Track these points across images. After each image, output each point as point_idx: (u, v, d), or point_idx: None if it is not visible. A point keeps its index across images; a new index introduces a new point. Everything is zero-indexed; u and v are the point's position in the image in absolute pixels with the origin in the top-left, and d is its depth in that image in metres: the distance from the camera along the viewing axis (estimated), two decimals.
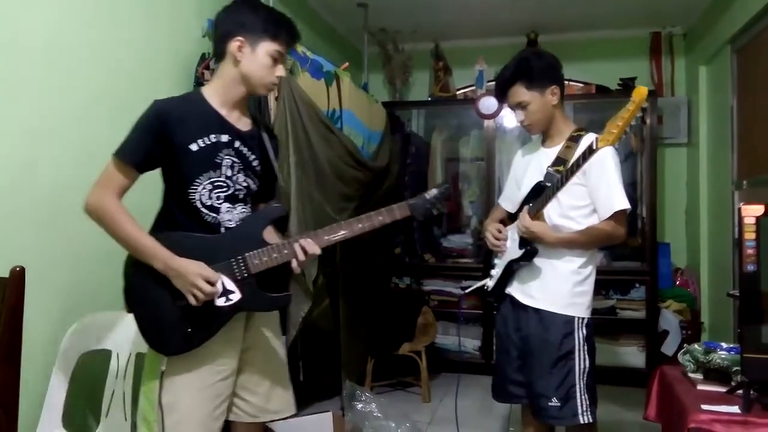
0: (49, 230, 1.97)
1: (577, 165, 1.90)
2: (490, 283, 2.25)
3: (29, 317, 1.49)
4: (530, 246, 2.07)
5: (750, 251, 1.72)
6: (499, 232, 2.19)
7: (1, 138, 1.83)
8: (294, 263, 1.66)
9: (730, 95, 3.70)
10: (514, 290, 2.15)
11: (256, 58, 1.64)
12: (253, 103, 2.62)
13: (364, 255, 3.65)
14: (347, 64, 3.58)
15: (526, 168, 2.20)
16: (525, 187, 2.14)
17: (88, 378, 2.06)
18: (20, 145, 1.89)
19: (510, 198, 2.30)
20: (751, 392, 1.73)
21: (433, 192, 1.72)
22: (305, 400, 3.26)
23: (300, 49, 2.94)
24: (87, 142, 2.10)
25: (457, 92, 4.66)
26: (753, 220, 1.72)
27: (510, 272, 2.15)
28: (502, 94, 2.14)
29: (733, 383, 1.86)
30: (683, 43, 4.55)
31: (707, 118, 4.18)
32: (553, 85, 2.07)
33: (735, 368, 1.87)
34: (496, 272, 2.22)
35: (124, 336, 2.01)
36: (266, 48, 1.65)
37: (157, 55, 2.50)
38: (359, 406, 2.64)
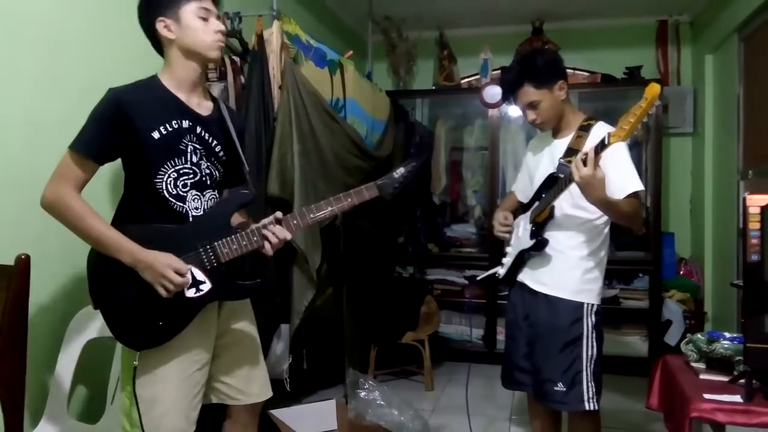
0: (51, 219, 1.98)
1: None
2: (501, 270, 2.28)
3: (34, 305, 1.50)
4: (541, 236, 2.09)
5: (754, 241, 1.72)
6: (506, 219, 2.23)
7: (2, 128, 1.83)
8: (267, 247, 1.61)
9: (736, 84, 3.67)
10: (525, 277, 2.18)
11: (185, 27, 1.59)
12: (258, 93, 2.63)
13: (367, 244, 3.65)
14: (351, 52, 3.56)
15: (539, 159, 2.21)
16: (538, 179, 2.15)
17: (94, 365, 2.08)
18: (21, 136, 1.89)
19: (523, 189, 2.32)
20: (754, 382, 1.73)
21: (400, 170, 1.70)
22: (309, 388, 3.29)
23: (304, 37, 2.93)
24: None
25: (462, 81, 4.64)
26: (758, 210, 1.73)
27: (521, 261, 2.18)
28: (510, 96, 2.16)
29: (735, 373, 1.87)
30: (690, 31, 4.52)
31: (713, 107, 4.15)
32: (560, 80, 2.08)
33: (738, 358, 1.87)
34: (507, 260, 2.26)
35: None
36: (189, 11, 1.59)
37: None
38: (362, 394, 2.65)
